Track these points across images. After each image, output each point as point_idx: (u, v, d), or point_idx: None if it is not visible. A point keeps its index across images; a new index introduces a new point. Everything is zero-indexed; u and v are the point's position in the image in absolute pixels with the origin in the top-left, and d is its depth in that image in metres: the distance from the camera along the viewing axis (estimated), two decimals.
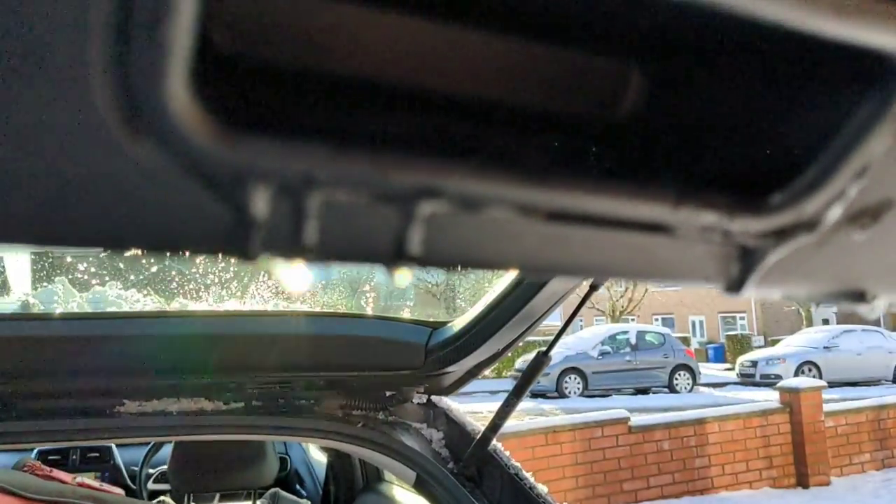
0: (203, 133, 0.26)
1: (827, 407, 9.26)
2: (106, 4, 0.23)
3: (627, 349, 19.53)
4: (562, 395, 18.03)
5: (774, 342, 26.08)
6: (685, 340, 26.32)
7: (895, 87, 0.33)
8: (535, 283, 1.53)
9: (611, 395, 18.44)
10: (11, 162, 0.24)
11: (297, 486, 3.13)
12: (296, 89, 0.34)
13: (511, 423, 8.31)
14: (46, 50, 0.23)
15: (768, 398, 9.93)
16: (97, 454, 3.11)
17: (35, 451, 2.84)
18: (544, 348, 1.73)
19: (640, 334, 20.38)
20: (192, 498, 2.62)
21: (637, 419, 8.34)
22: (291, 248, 0.30)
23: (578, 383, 18.49)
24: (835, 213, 0.37)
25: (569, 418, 8.34)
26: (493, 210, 0.32)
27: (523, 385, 1.73)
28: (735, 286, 0.38)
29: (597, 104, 0.41)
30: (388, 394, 1.92)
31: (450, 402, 1.97)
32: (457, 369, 1.84)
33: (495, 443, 1.82)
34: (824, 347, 20.33)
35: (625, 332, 20.36)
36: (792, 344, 21.43)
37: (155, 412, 1.67)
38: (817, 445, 8.91)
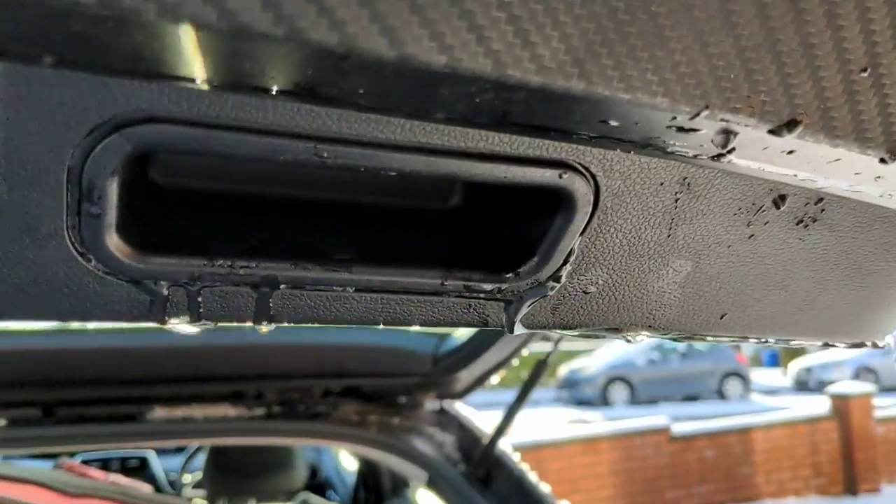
0: (126, 255, 0.47)
1: (879, 413, 9.03)
2: (71, 207, 0.44)
3: (675, 356, 19.25)
4: (607, 404, 17.88)
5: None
6: (736, 346, 25.77)
7: (568, 211, 0.53)
8: None
9: (658, 402, 18.20)
10: (20, 272, 0.45)
11: (328, 492, 3.25)
12: (184, 221, 0.54)
13: (550, 433, 8.32)
14: (40, 220, 0.44)
15: (822, 405, 9.71)
16: (136, 464, 3.26)
17: (79, 461, 3.00)
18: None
19: None
20: (226, 502, 2.76)
21: (678, 428, 8.27)
22: (188, 317, 0.49)
23: (625, 392, 18.31)
24: (562, 279, 0.57)
25: (608, 427, 8.31)
26: (316, 289, 0.51)
27: (525, 392, 1.83)
28: (509, 327, 0.58)
29: (429, 202, 0.62)
30: (401, 400, 2.02)
31: (460, 408, 2.06)
32: (466, 375, 1.93)
33: (503, 446, 1.91)
34: (883, 351, 19.70)
35: None
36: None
37: (182, 418, 1.80)
38: (867, 452, 8.69)
